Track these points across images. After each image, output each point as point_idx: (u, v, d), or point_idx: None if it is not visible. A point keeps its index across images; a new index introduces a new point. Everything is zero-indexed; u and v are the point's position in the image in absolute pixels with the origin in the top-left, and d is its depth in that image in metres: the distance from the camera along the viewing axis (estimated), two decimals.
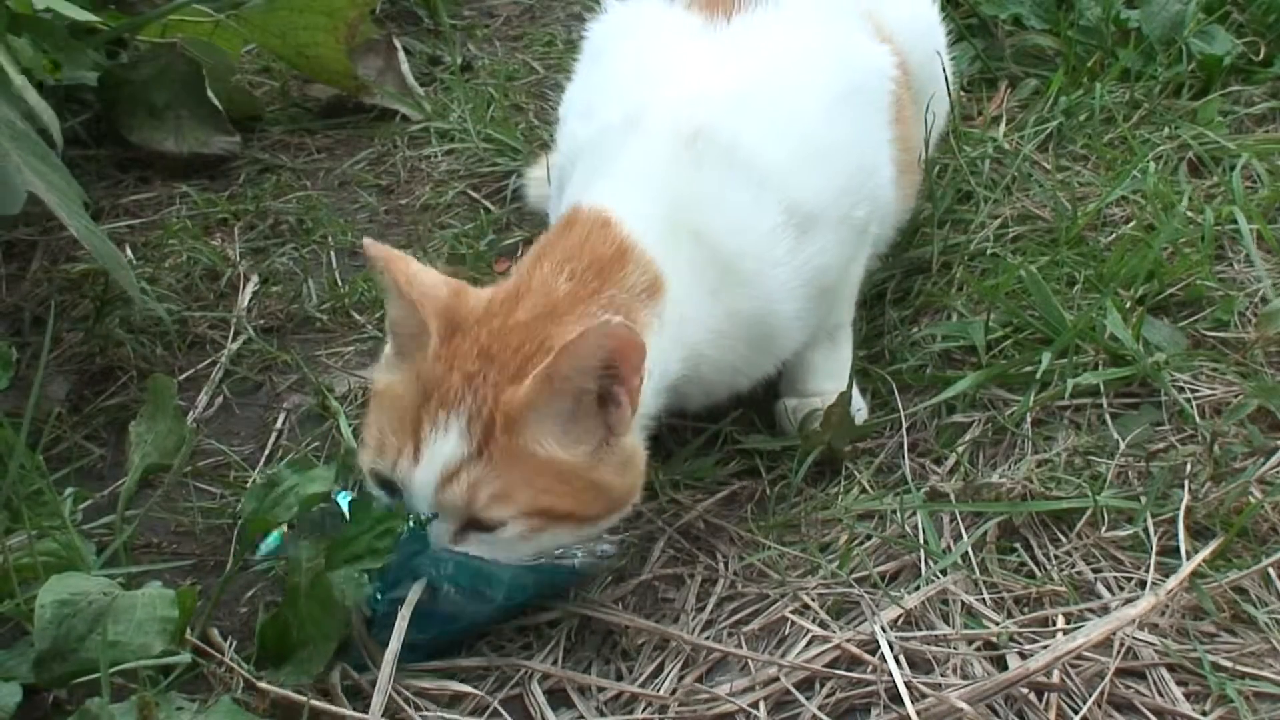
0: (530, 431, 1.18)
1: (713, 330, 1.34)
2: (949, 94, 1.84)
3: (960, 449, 1.46)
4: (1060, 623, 1.23)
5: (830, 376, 1.50)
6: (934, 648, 1.21)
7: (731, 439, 1.52)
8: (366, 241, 1.26)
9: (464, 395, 1.18)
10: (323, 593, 1.19)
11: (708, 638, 1.26)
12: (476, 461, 1.17)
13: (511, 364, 1.20)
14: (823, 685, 1.19)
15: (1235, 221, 1.74)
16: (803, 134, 1.41)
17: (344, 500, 1.33)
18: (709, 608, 1.30)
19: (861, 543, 1.36)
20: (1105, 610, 1.23)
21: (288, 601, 1.22)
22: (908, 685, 1.16)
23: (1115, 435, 1.46)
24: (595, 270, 1.27)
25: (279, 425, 1.64)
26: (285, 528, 1.33)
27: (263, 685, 1.18)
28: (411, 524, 1.22)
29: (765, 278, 1.35)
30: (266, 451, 1.59)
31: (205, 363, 1.76)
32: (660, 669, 1.23)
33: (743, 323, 1.36)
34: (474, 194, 2.14)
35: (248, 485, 1.49)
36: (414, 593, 1.22)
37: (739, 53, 1.45)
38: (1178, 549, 1.29)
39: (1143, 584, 1.26)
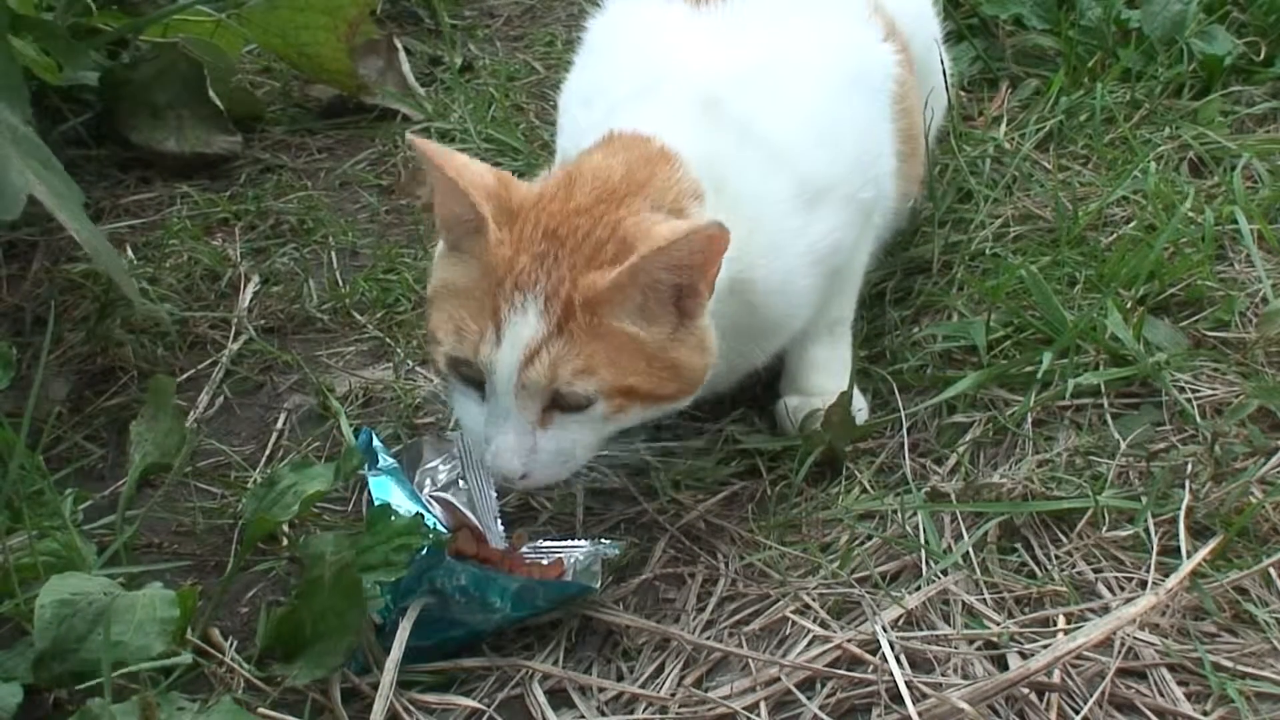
0: (609, 314, 1.21)
1: (730, 289, 1.33)
2: (946, 88, 1.84)
3: (961, 449, 1.46)
4: (1061, 623, 1.23)
5: (832, 374, 1.50)
6: (935, 648, 1.21)
7: (732, 439, 1.52)
8: (410, 137, 1.28)
9: (536, 276, 1.20)
10: (349, 585, 1.19)
11: (709, 638, 1.26)
12: (557, 339, 1.19)
13: (584, 247, 1.22)
14: (824, 685, 1.19)
15: (1236, 221, 1.74)
16: (811, 113, 1.42)
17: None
18: (710, 608, 1.30)
19: (862, 543, 1.36)
20: (1106, 610, 1.23)
21: (305, 596, 1.22)
22: (908, 685, 1.16)
23: (1116, 435, 1.45)
24: (645, 162, 1.29)
25: (279, 425, 1.64)
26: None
27: (275, 679, 1.18)
28: (430, 540, 1.23)
29: (781, 249, 1.36)
30: (267, 452, 1.59)
31: (206, 363, 1.76)
32: (661, 669, 1.23)
33: (761, 290, 1.36)
34: None
35: (248, 485, 1.50)
36: (414, 608, 1.23)
37: (745, 36, 1.46)
38: (1178, 549, 1.28)
39: (1143, 584, 1.26)
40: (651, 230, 1.21)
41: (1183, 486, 1.36)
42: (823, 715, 1.16)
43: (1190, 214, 1.78)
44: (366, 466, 1.40)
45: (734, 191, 1.33)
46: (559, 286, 1.20)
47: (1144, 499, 1.35)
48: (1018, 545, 1.34)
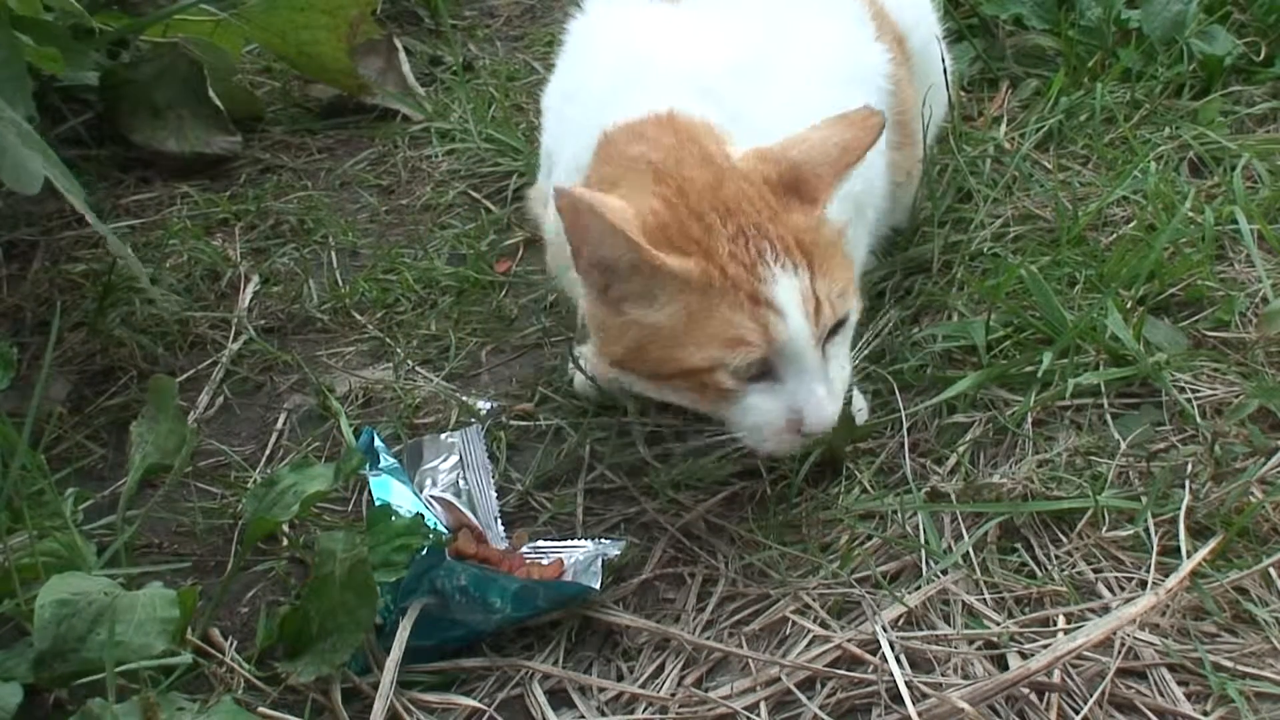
0: (816, 229, 1.26)
1: None
2: (947, 85, 1.84)
3: (961, 449, 1.46)
4: (1061, 623, 1.23)
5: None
6: (935, 647, 1.21)
7: (732, 439, 1.51)
8: (567, 190, 1.21)
9: (748, 247, 1.23)
10: (361, 581, 1.19)
11: (709, 638, 1.26)
12: (816, 277, 1.24)
13: (755, 202, 1.25)
14: (824, 685, 1.19)
15: (1236, 221, 1.74)
16: (802, 107, 1.41)
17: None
18: (710, 608, 1.30)
19: (862, 543, 1.36)
20: (1106, 610, 1.23)
21: (314, 593, 1.22)
22: (909, 685, 1.16)
23: (1116, 435, 1.45)
24: (682, 125, 1.32)
25: (280, 425, 1.64)
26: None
27: (275, 678, 1.18)
28: (430, 540, 1.23)
29: None
30: (267, 452, 1.59)
31: (206, 363, 1.76)
32: (661, 669, 1.23)
33: None
34: (475, 194, 2.14)
35: (248, 485, 1.50)
36: (414, 608, 1.23)
37: (734, 35, 1.46)
38: (1178, 549, 1.28)
39: (1143, 584, 1.26)
40: (814, 142, 1.28)
41: (1183, 486, 1.36)
42: (823, 715, 1.16)
43: (1190, 214, 1.78)
44: (368, 466, 1.40)
45: None
46: (780, 240, 1.23)
47: (1144, 499, 1.35)
48: (1018, 545, 1.34)
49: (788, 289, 1.22)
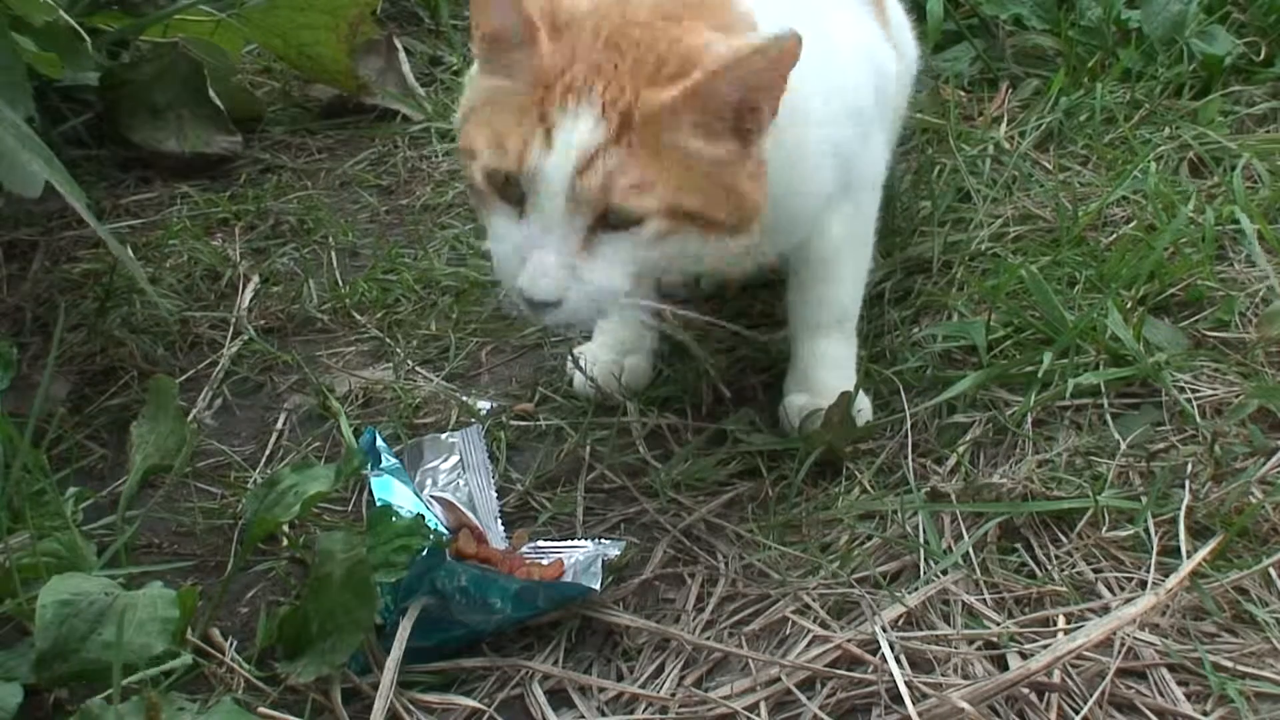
0: (670, 129, 1.15)
1: (780, 130, 1.26)
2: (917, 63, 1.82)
3: (961, 449, 1.46)
4: (1061, 623, 1.23)
5: (839, 372, 1.50)
6: (935, 648, 1.21)
7: (733, 439, 1.52)
8: None
9: (594, 83, 1.14)
10: (360, 581, 1.19)
11: (708, 638, 1.26)
12: (615, 148, 1.14)
13: (646, 61, 1.16)
14: (824, 685, 1.19)
15: (1236, 221, 1.74)
16: (853, 42, 1.41)
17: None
18: (710, 608, 1.30)
19: (862, 543, 1.36)
20: (1106, 610, 1.23)
21: (312, 593, 1.22)
22: (908, 685, 1.16)
23: (1116, 435, 1.46)
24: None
25: (280, 426, 1.64)
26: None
27: (276, 678, 1.18)
28: (431, 541, 1.23)
29: (822, 123, 1.32)
30: (267, 452, 1.59)
31: (206, 363, 1.76)
32: (661, 669, 1.23)
33: (799, 155, 1.30)
34: None
35: (248, 486, 1.50)
36: (414, 608, 1.23)
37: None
38: (1179, 549, 1.29)
39: (1143, 584, 1.26)
40: (715, 48, 1.15)
41: (1183, 486, 1.36)
42: (823, 715, 1.16)
43: (1190, 214, 1.78)
44: (370, 466, 1.40)
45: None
46: (618, 97, 1.14)
47: (1144, 499, 1.35)
48: (1018, 545, 1.34)
49: (572, 131, 1.14)
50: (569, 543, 1.39)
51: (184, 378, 1.72)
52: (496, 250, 1.23)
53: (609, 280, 1.19)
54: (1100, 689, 1.15)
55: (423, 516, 1.26)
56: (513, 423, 1.60)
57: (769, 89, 1.17)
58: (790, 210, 1.35)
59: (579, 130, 1.14)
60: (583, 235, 1.17)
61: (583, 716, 1.19)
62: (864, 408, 1.51)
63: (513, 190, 1.18)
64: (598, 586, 1.28)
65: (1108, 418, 1.49)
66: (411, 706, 1.20)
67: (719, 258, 1.27)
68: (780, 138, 1.25)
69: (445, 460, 1.48)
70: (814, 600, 1.29)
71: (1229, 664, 1.17)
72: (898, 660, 1.19)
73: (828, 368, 1.51)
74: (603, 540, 1.38)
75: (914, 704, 1.14)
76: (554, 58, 1.16)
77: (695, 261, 1.27)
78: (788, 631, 1.26)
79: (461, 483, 1.45)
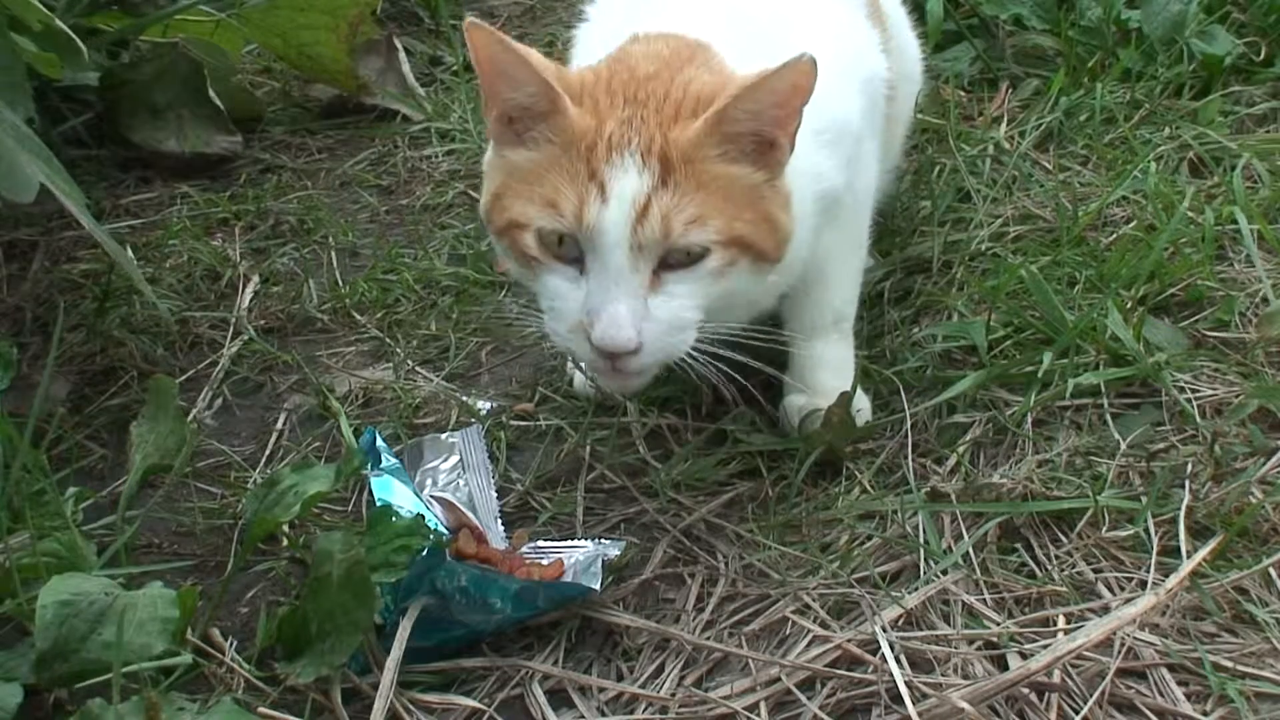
0: (705, 161, 1.20)
1: None
2: (923, 77, 1.83)
3: (961, 449, 1.46)
4: (1061, 623, 1.23)
5: (837, 372, 1.50)
6: (935, 648, 1.21)
7: (733, 439, 1.52)
8: (471, 22, 1.21)
9: (628, 136, 1.19)
10: (358, 582, 1.19)
11: (709, 638, 1.26)
12: (664, 190, 1.18)
13: (666, 106, 1.21)
14: (824, 685, 1.19)
15: (1236, 221, 1.74)
16: (834, 61, 1.39)
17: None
18: (710, 608, 1.30)
19: (862, 543, 1.36)
20: (1106, 610, 1.23)
21: (311, 593, 1.22)
22: (908, 685, 1.16)
23: (1116, 435, 1.45)
24: (685, 46, 1.29)
25: (280, 426, 1.64)
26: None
27: (275, 678, 1.18)
28: (431, 541, 1.23)
29: (806, 173, 1.34)
30: (267, 452, 1.59)
31: (206, 363, 1.76)
32: (661, 669, 1.23)
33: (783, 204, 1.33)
34: (475, 194, 2.14)
35: (248, 486, 1.50)
36: (414, 608, 1.23)
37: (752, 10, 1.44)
38: (1178, 549, 1.28)
39: (1143, 584, 1.26)
40: (730, 79, 1.21)
41: (1183, 486, 1.36)
42: (823, 715, 1.16)
43: (1190, 214, 1.78)
44: (370, 466, 1.40)
45: None
46: (651, 143, 1.18)
47: (1144, 499, 1.35)
48: (1018, 545, 1.34)
49: (624, 181, 1.18)
50: (569, 543, 1.39)
51: (184, 378, 1.72)
52: (559, 309, 1.24)
53: (680, 315, 1.22)
54: (1100, 689, 1.15)
55: (423, 516, 1.26)
56: (513, 423, 1.60)
57: (785, 117, 1.21)
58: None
59: (629, 181, 1.18)
60: (648, 279, 1.20)
61: (583, 716, 1.19)
62: (863, 407, 1.51)
63: (568, 250, 1.22)
64: (598, 586, 1.28)
65: (1108, 418, 1.49)
66: (411, 706, 1.20)
67: (761, 294, 1.31)
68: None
69: (445, 460, 1.48)
70: (814, 600, 1.28)
71: (1229, 664, 1.17)
72: (898, 660, 1.19)
73: (825, 369, 1.51)
74: (603, 540, 1.38)
75: (914, 704, 1.14)
76: (584, 119, 1.21)
77: (746, 298, 1.30)
78: (788, 631, 1.26)
79: (461, 483, 1.45)
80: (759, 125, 1.21)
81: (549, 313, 1.25)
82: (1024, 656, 1.18)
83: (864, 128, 1.48)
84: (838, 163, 1.40)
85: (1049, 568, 1.30)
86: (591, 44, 1.52)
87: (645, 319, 1.19)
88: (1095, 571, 1.29)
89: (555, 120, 1.22)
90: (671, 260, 1.20)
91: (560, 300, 1.23)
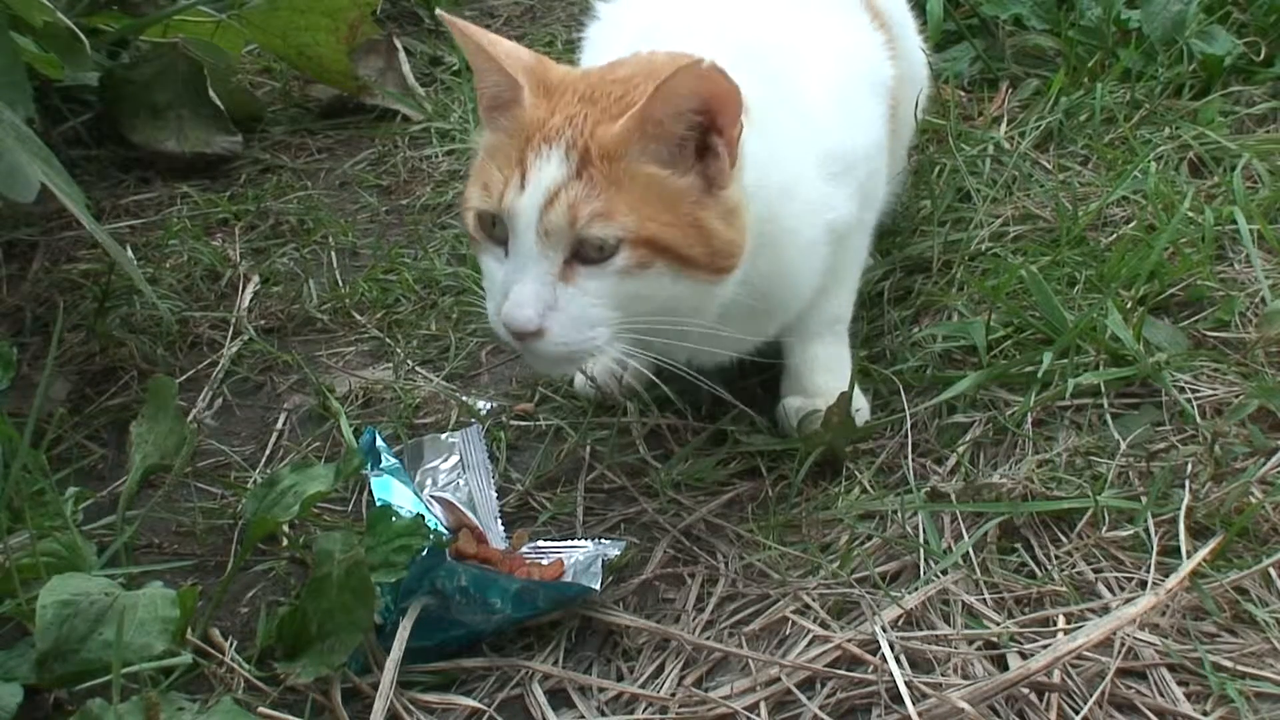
0: (626, 159, 1.21)
1: (765, 222, 1.32)
2: (931, 81, 1.83)
3: (961, 449, 1.46)
4: (1061, 623, 1.23)
5: (833, 373, 1.50)
6: (935, 648, 1.21)
7: (733, 439, 1.52)
8: (441, 14, 1.28)
9: (563, 131, 1.22)
10: (358, 582, 1.19)
11: (708, 638, 1.26)
12: (576, 182, 1.20)
13: (612, 108, 1.23)
14: (824, 685, 1.19)
15: (1236, 222, 1.74)
16: (837, 90, 1.43)
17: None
18: (710, 608, 1.30)
19: (862, 543, 1.36)
20: (1106, 610, 1.23)
21: (311, 593, 1.22)
22: (908, 685, 1.16)
23: (1116, 435, 1.45)
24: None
25: (280, 426, 1.64)
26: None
27: (275, 678, 1.18)
28: (431, 541, 1.23)
29: (810, 218, 1.37)
30: (267, 452, 1.59)
31: (206, 363, 1.76)
32: (661, 669, 1.23)
33: (784, 251, 1.35)
34: None
35: (248, 485, 1.50)
36: (414, 608, 1.23)
37: (764, 22, 1.46)
38: (1178, 549, 1.28)
39: (1143, 584, 1.26)
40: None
41: (1183, 486, 1.36)
42: (823, 715, 1.16)
43: (1190, 214, 1.78)
44: (370, 466, 1.40)
45: (775, 140, 1.33)
46: (578, 137, 1.21)
47: (1144, 499, 1.35)
48: (1018, 545, 1.34)
49: (544, 170, 1.21)
50: (569, 543, 1.39)
51: (184, 378, 1.72)
52: (487, 288, 1.28)
53: (586, 310, 1.22)
54: (1100, 689, 1.15)
55: (423, 516, 1.26)
56: (513, 423, 1.60)
57: (713, 113, 1.20)
58: (782, 296, 1.40)
59: (547, 170, 1.21)
60: (559, 268, 1.21)
61: (583, 716, 1.19)
62: (862, 407, 1.51)
63: (500, 232, 1.25)
64: (598, 586, 1.29)
65: (1108, 418, 1.49)
66: (411, 706, 1.20)
67: (701, 307, 1.29)
68: (763, 228, 1.30)
69: (445, 460, 1.48)
70: (814, 600, 1.28)
71: (1229, 664, 1.17)
72: (898, 660, 1.19)
73: (822, 371, 1.51)
74: (603, 540, 1.38)
75: (914, 704, 1.14)
76: (536, 111, 1.25)
77: (690, 305, 1.28)
78: (788, 631, 1.26)
79: (461, 483, 1.45)
80: (681, 128, 1.21)
81: (486, 295, 1.29)
82: (1024, 656, 1.18)
83: (873, 148, 1.49)
84: (849, 192, 1.42)
85: (1049, 568, 1.30)
86: (600, 45, 1.53)
87: (552, 307, 1.21)
88: (1095, 571, 1.29)
89: (514, 110, 1.26)
90: (584, 254, 1.21)
91: (490, 281, 1.27)
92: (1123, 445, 1.43)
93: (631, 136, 1.20)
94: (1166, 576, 1.25)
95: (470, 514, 1.40)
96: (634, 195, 1.21)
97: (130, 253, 1.98)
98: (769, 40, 1.42)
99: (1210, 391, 1.50)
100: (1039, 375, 1.51)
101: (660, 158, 1.22)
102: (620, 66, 1.30)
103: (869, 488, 1.43)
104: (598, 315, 1.23)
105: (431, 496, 1.42)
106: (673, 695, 1.19)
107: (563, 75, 1.29)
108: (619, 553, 1.36)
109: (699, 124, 1.21)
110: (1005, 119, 2.16)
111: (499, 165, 1.25)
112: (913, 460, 1.45)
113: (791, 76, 1.39)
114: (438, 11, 1.29)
